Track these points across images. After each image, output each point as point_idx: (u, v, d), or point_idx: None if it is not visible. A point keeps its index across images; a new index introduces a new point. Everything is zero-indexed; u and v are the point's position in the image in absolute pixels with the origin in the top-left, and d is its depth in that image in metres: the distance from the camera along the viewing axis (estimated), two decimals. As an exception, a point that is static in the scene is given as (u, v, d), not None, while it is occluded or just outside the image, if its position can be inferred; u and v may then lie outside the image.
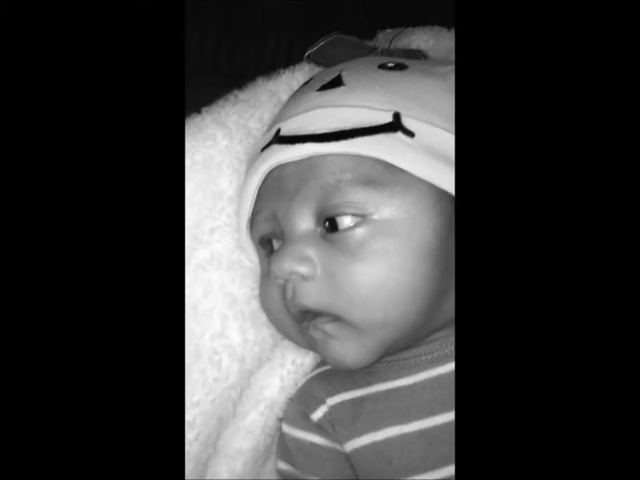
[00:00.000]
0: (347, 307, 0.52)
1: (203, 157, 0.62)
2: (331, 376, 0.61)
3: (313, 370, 0.63)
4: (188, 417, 0.56)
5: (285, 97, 0.68)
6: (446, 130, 0.55)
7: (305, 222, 0.54)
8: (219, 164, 0.63)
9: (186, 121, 0.64)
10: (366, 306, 0.52)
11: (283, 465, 0.61)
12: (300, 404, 0.61)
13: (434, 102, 0.56)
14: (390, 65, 0.60)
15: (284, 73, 0.70)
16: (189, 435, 0.57)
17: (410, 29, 0.74)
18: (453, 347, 0.56)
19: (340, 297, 0.52)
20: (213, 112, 0.65)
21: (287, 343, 0.62)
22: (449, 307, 0.55)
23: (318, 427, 0.59)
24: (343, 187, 0.53)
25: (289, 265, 0.53)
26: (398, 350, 0.56)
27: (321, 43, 0.69)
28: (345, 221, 0.53)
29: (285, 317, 0.57)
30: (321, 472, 0.58)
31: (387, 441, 0.55)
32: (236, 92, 0.68)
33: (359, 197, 0.53)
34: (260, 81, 0.69)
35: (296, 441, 0.60)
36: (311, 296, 0.53)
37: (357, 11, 0.76)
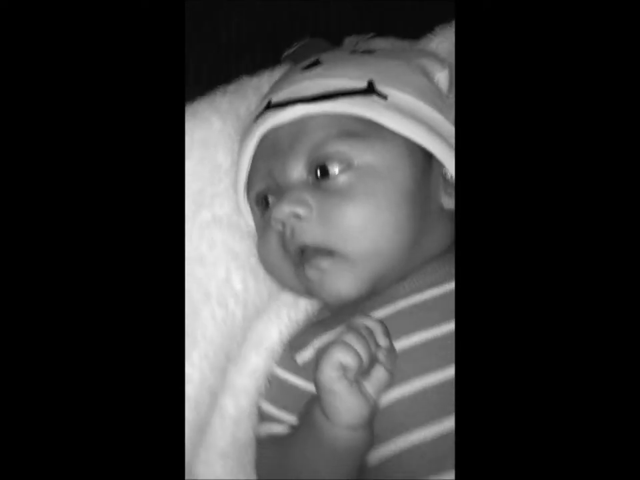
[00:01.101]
0: (341, 241, 0.60)
1: (200, 137, 0.70)
2: (320, 321, 0.68)
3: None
4: (200, 350, 0.62)
5: (267, 91, 0.78)
6: (414, 97, 0.65)
7: (298, 172, 0.63)
8: (214, 144, 0.71)
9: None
10: (359, 239, 0.60)
11: (264, 405, 0.66)
12: (290, 347, 0.67)
13: (401, 76, 0.66)
14: (360, 50, 0.71)
15: (265, 72, 0.80)
16: (204, 365, 0.62)
17: (370, 36, 0.86)
18: (430, 279, 0.64)
19: (335, 233, 0.60)
20: (206, 99, 0.74)
21: (283, 300, 0.69)
22: (426, 245, 0.64)
23: (302, 370, 0.65)
24: (330, 140, 0.62)
25: (288, 207, 0.61)
26: (384, 285, 0.64)
27: (296, 46, 0.80)
28: (335, 168, 0.61)
29: (282, 262, 0.64)
30: (296, 412, 0.64)
31: None
32: (224, 86, 0.77)
33: (345, 147, 0.62)
34: (245, 78, 0.79)
35: (279, 381, 0.66)
36: (308, 233, 0.61)
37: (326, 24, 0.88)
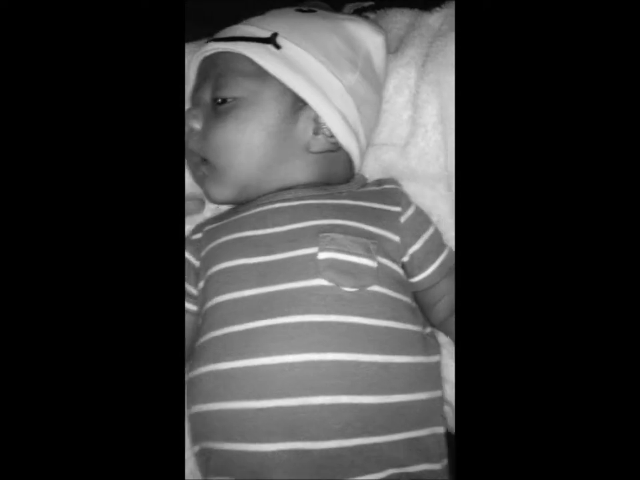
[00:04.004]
0: (211, 152, 0.79)
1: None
2: (216, 216, 0.87)
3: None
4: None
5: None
6: (314, 56, 0.79)
7: (206, 95, 0.82)
8: None
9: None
10: (223, 153, 0.78)
11: None
12: (192, 231, 0.86)
13: (308, 33, 0.81)
14: (304, 9, 0.86)
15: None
16: None
17: (369, 4, 0.97)
18: (285, 196, 0.78)
19: (209, 146, 0.79)
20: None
21: None
22: (283, 171, 0.80)
23: (191, 244, 0.83)
24: (227, 74, 0.79)
25: (188, 120, 0.82)
26: (249, 196, 0.81)
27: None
28: (224, 97, 0.80)
29: (190, 161, 0.85)
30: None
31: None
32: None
33: (234, 81, 0.79)
34: None
35: None
36: (194, 143, 0.81)
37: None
